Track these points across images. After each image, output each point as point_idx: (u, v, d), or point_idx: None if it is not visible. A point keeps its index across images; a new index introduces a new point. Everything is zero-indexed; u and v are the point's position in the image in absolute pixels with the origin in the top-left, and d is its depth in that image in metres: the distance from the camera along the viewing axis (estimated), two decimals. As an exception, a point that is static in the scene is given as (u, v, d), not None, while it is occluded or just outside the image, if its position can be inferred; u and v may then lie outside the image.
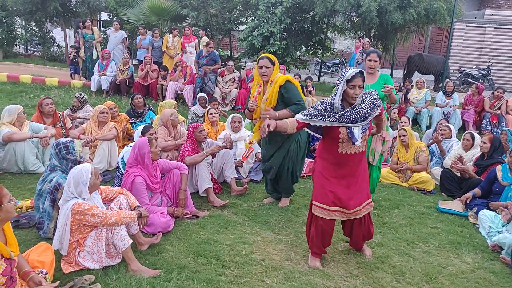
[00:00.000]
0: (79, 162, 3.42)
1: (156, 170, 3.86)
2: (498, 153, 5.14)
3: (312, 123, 3.07)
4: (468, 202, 4.66)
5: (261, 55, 4.25)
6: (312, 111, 3.05)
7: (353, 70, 2.97)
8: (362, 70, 3.05)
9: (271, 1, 11.48)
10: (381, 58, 4.44)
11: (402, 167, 5.58)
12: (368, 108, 3.07)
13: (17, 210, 3.88)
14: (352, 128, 3.06)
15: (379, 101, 3.17)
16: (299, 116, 3.09)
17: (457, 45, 15.15)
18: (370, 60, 4.40)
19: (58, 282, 2.70)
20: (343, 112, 3.01)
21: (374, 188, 4.64)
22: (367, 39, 10.19)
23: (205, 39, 10.59)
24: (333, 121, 3.02)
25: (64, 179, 3.16)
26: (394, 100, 4.23)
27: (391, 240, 3.85)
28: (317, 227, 3.24)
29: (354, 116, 3.02)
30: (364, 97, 3.09)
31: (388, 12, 9.89)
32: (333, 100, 3.01)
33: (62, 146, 3.42)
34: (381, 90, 4.04)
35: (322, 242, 3.31)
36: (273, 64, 4.17)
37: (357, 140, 3.06)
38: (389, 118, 6.86)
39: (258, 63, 4.19)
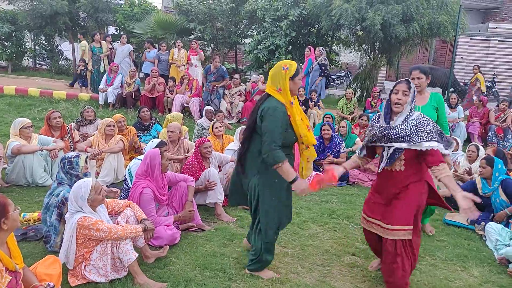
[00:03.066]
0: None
1: (164, 182, 3.90)
2: None
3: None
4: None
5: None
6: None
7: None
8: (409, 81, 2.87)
9: (276, 14, 11.63)
10: (427, 73, 3.76)
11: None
12: (409, 130, 2.77)
13: (25, 222, 3.92)
14: (386, 148, 2.86)
15: (430, 129, 2.76)
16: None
17: (461, 58, 15.20)
18: (413, 79, 3.72)
19: (66, 294, 2.72)
20: (384, 126, 2.86)
21: (433, 211, 4.20)
22: (320, 47, 10.20)
23: (201, 56, 10.74)
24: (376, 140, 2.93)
25: (70, 194, 3.19)
26: None
27: (397, 253, 3.83)
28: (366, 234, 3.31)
29: (392, 132, 2.80)
30: (408, 117, 2.82)
31: (392, 26, 9.97)
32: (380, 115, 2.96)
33: (66, 160, 3.47)
34: None
35: (372, 248, 3.40)
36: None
37: (384, 164, 2.88)
38: None
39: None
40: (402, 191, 2.92)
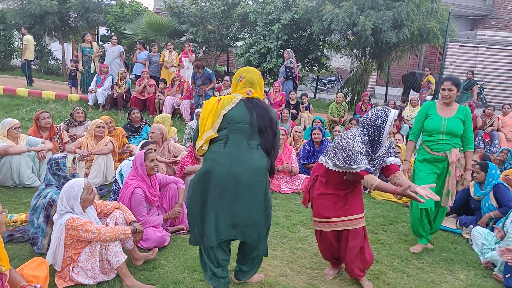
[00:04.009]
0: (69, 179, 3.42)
1: (154, 183, 3.89)
2: None
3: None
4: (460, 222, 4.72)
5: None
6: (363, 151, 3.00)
7: (396, 111, 3.08)
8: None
9: (268, 18, 11.68)
10: (458, 86, 3.83)
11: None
12: (383, 154, 3.12)
13: (12, 224, 3.87)
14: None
15: (390, 150, 3.16)
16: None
17: (450, 64, 15.40)
18: (444, 89, 3.83)
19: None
20: (373, 156, 3.08)
21: (437, 229, 4.25)
22: (288, 49, 10.15)
23: (192, 57, 10.73)
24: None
25: (58, 195, 3.15)
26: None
27: (385, 256, 3.87)
28: (324, 240, 3.32)
29: (377, 162, 3.10)
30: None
31: (383, 31, 10.08)
32: (367, 138, 3.04)
33: (53, 162, 3.45)
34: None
35: (332, 254, 3.37)
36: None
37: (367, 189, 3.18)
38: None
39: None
40: (353, 187, 3.22)
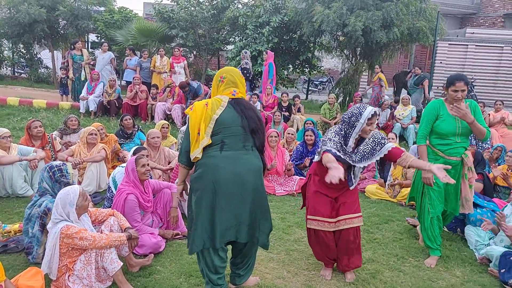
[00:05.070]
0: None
1: (147, 189, 3.87)
2: (481, 166, 5.28)
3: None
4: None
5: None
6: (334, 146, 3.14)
7: (371, 108, 3.13)
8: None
9: (258, 21, 11.70)
10: (468, 85, 3.58)
11: (392, 183, 5.65)
12: (369, 147, 3.17)
13: (5, 234, 3.83)
14: (352, 169, 3.22)
15: (383, 141, 3.21)
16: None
17: (441, 62, 15.53)
18: (456, 91, 3.53)
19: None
20: (350, 152, 3.17)
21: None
22: (244, 50, 10.13)
23: (184, 63, 10.70)
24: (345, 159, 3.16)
25: (53, 203, 3.14)
26: (481, 134, 3.57)
27: (381, 255, 3.88)
28: (319, 241, 3.36)
29: (358, 157, 3.16)
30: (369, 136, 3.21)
31: (373, 31, 10.13)
32: (342, 140, 3.18)
33: (56, 169, 3.42)
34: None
35: (327, 254, 3.40)
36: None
37: (353, 184, 3.24)
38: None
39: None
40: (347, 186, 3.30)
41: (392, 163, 5.19)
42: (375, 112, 3.12)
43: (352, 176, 3.25)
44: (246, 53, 9.87)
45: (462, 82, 3.50)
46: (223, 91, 2.85)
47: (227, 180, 2.68)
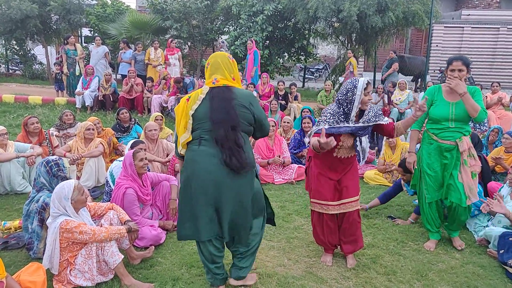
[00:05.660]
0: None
1: (146, 182, 3.87)
2: (478, 149, 5.27)
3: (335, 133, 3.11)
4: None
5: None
6: (329, 120, 3.13)
7: (363, 79, 3.13)
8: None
9: (252, 10, 11.62)
10: (468, 66, 3.46)
11: (390, 168, 5.66)
12: (370, 116, 3.20)
13: (6, 231, 3.84)
14: (360, 142, 3.22)
15: (381, 112, 3.28)
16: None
17: (437, 45, 15.49)
18: (453, 70, 3.44)
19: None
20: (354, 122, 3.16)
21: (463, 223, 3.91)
22: (221, 39, 10.10)
23: (178, 54, 10.65)
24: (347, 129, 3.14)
25: (51, 198, 3.14)
26: (474, 111, 3.39)
27: (381, 240, 3.90)
28: (322, 223, 3.40)
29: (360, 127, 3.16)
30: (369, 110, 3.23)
31: (368, 16, 10.07)
32: (341, 110, 3.16)
33: (53, 163, 3.41)
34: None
35: (328, 239, 3.42)
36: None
37: (363, 159, 3.26)
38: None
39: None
40: (348, 168, 3.35)
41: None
42: (368, 81, 3.11)
43: (360, 151, 3.24)
44: (223, 42, 9.83)
45: (460, 61, 3.43)
46: (208, 79, 2.76)
47: (201, 176, 2.63)
